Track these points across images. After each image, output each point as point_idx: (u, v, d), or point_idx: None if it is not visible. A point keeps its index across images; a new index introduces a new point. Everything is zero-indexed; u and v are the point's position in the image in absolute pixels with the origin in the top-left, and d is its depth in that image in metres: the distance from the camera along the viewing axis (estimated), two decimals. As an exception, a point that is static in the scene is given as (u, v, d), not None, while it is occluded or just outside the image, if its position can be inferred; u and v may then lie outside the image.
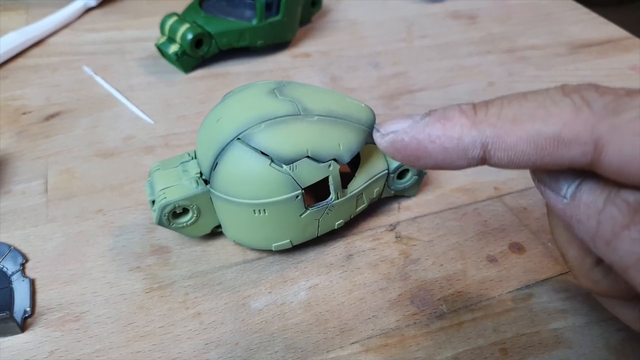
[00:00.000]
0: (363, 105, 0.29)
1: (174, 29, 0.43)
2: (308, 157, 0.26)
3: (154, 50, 0.46)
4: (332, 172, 0.26)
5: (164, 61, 0.45)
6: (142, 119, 0.39)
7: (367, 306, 0.27)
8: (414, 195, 0.33)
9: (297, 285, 0.28)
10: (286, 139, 0.25)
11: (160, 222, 0.27)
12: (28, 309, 0.26)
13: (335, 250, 0.30)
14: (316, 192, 0.29)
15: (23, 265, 0.28)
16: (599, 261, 0.20)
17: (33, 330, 0.26)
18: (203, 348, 0.25)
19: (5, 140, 0.37)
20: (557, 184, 0.18)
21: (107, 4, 0.54)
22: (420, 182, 0.33)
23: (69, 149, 0.36)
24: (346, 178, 0.28)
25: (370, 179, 0.29)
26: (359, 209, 0.30)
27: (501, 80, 0.45)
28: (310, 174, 0.26)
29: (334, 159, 0.26)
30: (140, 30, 0.50)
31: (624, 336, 0.26)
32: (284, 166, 0.25)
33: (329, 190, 0.27)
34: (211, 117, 0.27)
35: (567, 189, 0.18)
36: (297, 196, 0.26)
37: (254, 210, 0.26)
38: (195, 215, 0.27)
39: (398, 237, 0.31)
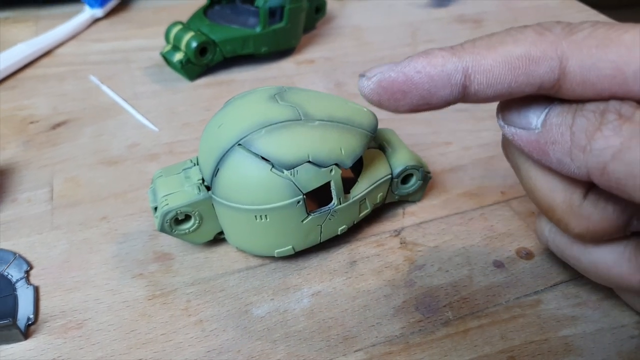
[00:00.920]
0: (365, 109, 0.29)
1: (178, 38, 0.43)
2: (309, 162, 0.25)
3: (159, 59, 0.47)
4: (334, 177, 0.26)
5: (169, 69, 0.46)
6: (146, 126, 0.39)
7: (371, 313, 0.27)
8: (418, 200, 0.33)
9: (300, 292, 0.28)
10: (287, 144, 0.25)
11: (162, 229, 0.27)
12: (31, 316, 0.26)
13: (339, 256, 0.30)
14: (318, 198, 0.28)
15: (27, 272, 0.28)
16: (586, 193, 0.21)
17: (36, 337, 0.25)
18: (205, 355, 0.25)
19: (13, 149, 0.37)
20: (527, 119, 0.21)
21: (113, 15, 0.55)
22: (425, 187, 0.32)
23: (74, 157, 0.36)
24: (349, 183, 0.28)
25: (373, 184, 0.29)
26: (362, 214, 0.29)
27: (508, 84, 0.45)
28: (312, 179, 0.26)
29: (336, 164, 0.26)
30: (146, 40, 0.50)
31: (637, 343, 0.25)
32: (285, 171, 0.25)
33: (331, 195, 0.27)
34: (213, 123, 0.27)
35: (537, 119, 0.20)
36: (298, 202, 0.26)
37: (256, 216, 0.26)
38: (197, 221, 0.27)
39: (403, 243, 0.30)
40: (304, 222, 0.27)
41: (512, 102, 0.21)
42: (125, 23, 0.53)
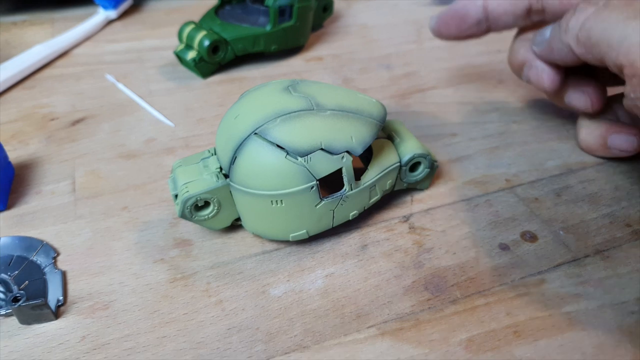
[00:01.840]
0: (374, 100, 0.30)
1: (191, 37, 0.44)
2: (322, 149, 0.27)
3: (172, 58, 0.48)
4: (345, 163, 0.28)
5: (182, 68, 0.47)
6: (162, 122, 0.41)
7: (382, 293, 0.28)
8: (426, 188, 0.34)
9: (314, 274, 0.29)
10: (300, 133, 0.27)
11: (182, 215, 0.28)
12: (61, 298, 0.27)
13: (350, 240, 0.31)
14: (331, 185, 0.30)
15: (55, 258, 0.30)
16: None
17: (66, 317, 0.27)
18: (225, 333, 0.26)
19: (35, 145, 0.39)
20: (543, 34, 0.33)
21: (126, 16, 0.56)
22: (432, 175, 0.33)
23: (94, 151, 0.38)
24: (359, 172, 0.30)
25: (382, 171, 0.30)
26: (372, 200, 0.31)
27: (511, 77, 0.46)
28: (324, 165, 0.27)
29: (347, 152, 0.27)
30: (159, 40, 0.52)
31: (638, 319, 0.27)
32: (299, 158, 0.26)
33: (342, 182, 0.28)
34: (229, 114, 0.29)
35: (548, 32, 0.32)
36: (312, 187, 0.27)
37: (272, 202, 0.27)
38: (216, 208, 0.29)
39: (412, 228, 0.32)
40: (317, 207, 0.28)
41: (538, 31, 0.33)
42: (138, 24, 0.55)
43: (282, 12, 0.46)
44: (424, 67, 0.47)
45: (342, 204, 0.29)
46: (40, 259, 0.30)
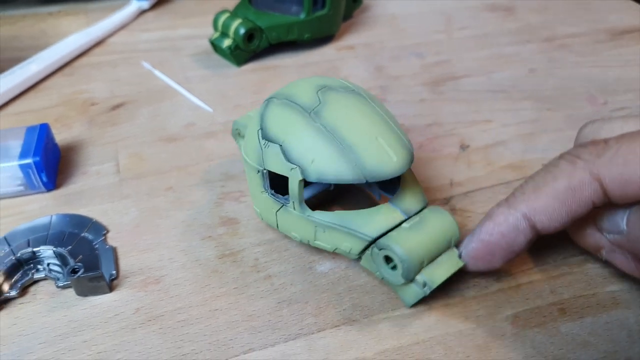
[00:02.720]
0: (404, 139, 0.27)
1: (226, 25, 0.45)
2: (281, 146, 0.26)
3: (206, 46, 0.49)
4: (292, 175, 0.25)
5: (216, 56, 0.48)
6: (201, 107, 0.41)
7: (427, 270, 0.29)
8: (408, 305, 0.27)
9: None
10: (279, 121, 0.26)
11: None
12: (113, 272, 0.28)
13: (393, 221, 0.31)
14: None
15: (105, 235, 0.31)
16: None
17: (119, 290, 0.28)
18: (276, 306, 0.27)
19: (78, 128, 0.39)
20: (615, 225, 0.25)
21: (158, 6, 0.57)
22: (419, 298, 0.26)
23: (135, 135, 0.39)
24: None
25: (340, 226, 0.26)
26: (317, 242, 0.27)
27: (542, 67, 0.46)
28: (275, 162, 0.26)
29: (300, 168, 0.25)
30: (191, 29, 0.53)
31: (679, 297, 0.27)
32: (261, 140, 0.27)
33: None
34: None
35: (621, 222, 0.25)
36: (258, 171, 0.27)
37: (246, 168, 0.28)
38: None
39: (453, 210, 0.32)
40: (262, 194, 0.28)
41: (605, 214, 0.25)
42: (170, 14, 0.56)
43: (316, 1, 0.46)
44: (455, 56, 0.48)
45: (284, 214, 0.27)
46: (91, 236, 0.31)
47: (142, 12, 0.56)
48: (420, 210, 0.27)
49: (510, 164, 0.36)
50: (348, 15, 0.53)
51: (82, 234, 0.30)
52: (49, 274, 0.28)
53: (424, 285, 0.25)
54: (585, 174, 0.23)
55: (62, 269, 0.28)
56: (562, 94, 0.43)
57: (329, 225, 0.26)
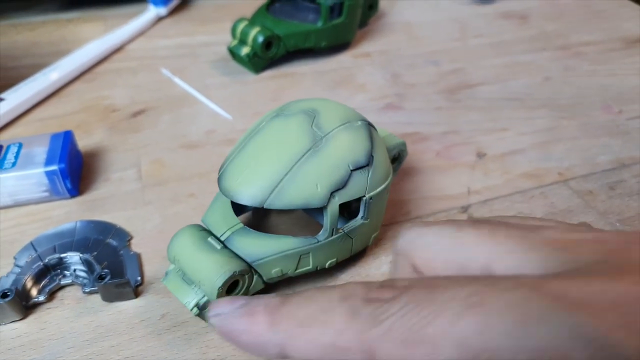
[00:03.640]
0: (275, 178, 0.26)
1: (245, 33, 0.46)
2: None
3: (224, 53, 0.50)
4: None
5: (234, 63, 0.49)
6: (220, 114, 0.42)
7: (446, 278, 0.29)
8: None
9: (379, 260, 0.30)
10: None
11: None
12: (138, 278, 0.29)
13: (412, 229, 0.32)
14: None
15: (129, 241, 0.31)
16: None
17: (144, 296, 0.28)
18: (299, 312, 0.27)
19: (99, 134, 0.40)
20: None
21: (176, 13, 0.58)
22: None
23: (156, 141, 0.39)
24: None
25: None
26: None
27: (557, 75, 0.47)
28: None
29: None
30: (209, 36, 0.53)
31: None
32: None
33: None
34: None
35: None
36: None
37: None
38: None
39: (471, 218, 0.33)
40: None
41: None
42: (188, 21, 0.56)
43: (332, 9, 0.47)
44: (470, 64, 0.48)
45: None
46: (115, 242, 0.31)
47: (160, 19, 0.57)
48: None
49: (527, 172, 0.36)
50: (364, 23, 0.54)
51: (107, 240, 0.31)
52: (75, 280, 0.29)
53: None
54: (357, 340, 0.16)
55: (89, 275, 0.29)
56: (577, 103, 0.43)
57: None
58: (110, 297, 0.28)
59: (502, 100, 0.44)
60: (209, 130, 0.40)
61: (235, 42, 0.47)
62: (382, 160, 0.27)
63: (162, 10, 0.56)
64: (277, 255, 0.26)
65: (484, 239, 0.18)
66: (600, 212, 0.33)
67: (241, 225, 0.27)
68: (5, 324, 0.27)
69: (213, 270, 0.25)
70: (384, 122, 0.41)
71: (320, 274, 0.29)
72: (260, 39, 0.45)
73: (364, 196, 0.26)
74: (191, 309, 0.25)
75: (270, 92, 0.45)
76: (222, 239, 0.26)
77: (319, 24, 0.47)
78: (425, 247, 0.19)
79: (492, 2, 0.60)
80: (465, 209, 0.33)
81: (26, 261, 0.29)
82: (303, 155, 0.25)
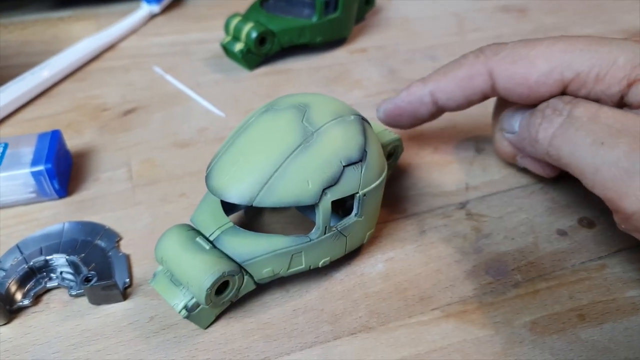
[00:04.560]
0: (264, 176, 0.25)
1: (238, 29, 0.45)
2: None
3: (218, 50, 0.49)
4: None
5: (228, 60, 0.48)
6: (213, 112, 0.41)
7: (443, 276, 0.28)
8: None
9: (374, 258, 0.29)
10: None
11: None
12: (127, 280, 0.28)
13: (408, 227, 0.31)
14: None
15: (118, 242, 0.31)
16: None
17: (133, 298, 0.28)
18: (291, 313, 0.27)
19: (90, 134, 0.39)
20: (511, 125, 0.30)
21: (169, 11, 0.57)
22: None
23: (147, 140, 0.39)
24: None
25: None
26: None
27: (557, 68, 0.46)
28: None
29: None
30: (203, 33, 0.52)
31: (702, 303, 0.26)
32: None
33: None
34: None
35: (516, 124, 0.29)
36: None
37: None
38: None
39: (469, 214, 0.32)
40: None
41: (505, 115, 0.31)
42: (181, 18, 0.56)
43: (327, 4, 0.46)
44: (468, 58, 0.47)
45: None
46: (103, 243, 0.30)
47: (153, 17, 0.56)
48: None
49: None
50: (360, 18, 0.53)
51: (95, 242, 0.30)
52: (62, 283, 0.28)
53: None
54: (482, 67, 0.28)
55: (75, 277, 0.28)
56: (577, 96, 0.42)
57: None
58: (97, 299, 0.27)
59: (501, 95, 0.43)
60: (201, 128, 0.39)
61: (228, 39, 0.46)
62: (376, 155, 0.26)
63: (155, 8, 0.55)
64: (268, 255, 0.25)
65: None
66: (601, 207, 0.32)
67: (231, 224, 0.26)
68: (-12, 328, 0.26)
69: (201, 271, 0.24)
70: (380, 117, 0.40)
71: (313, 272, 0.28)
72: (254, 34, 0.44)
73: (358, 193, 0.26)
74: (179, 311, 0.25)
75: (264, 89, 0.44)
76: (211, 238, 0.26)
77: (314, 19, 0.46)
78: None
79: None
80: (463, 205, 0.32)
81: (11, 264, 0.28)
82: (293, 151, 0.24)
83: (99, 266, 0.29)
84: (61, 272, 0.29)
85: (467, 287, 0.28)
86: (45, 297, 0.28)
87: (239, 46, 0.45)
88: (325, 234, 0.25)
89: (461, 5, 0.57)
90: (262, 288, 0.28)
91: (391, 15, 0.55)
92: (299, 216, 0.32)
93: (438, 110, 0.31)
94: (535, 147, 0.27)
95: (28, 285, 0.28)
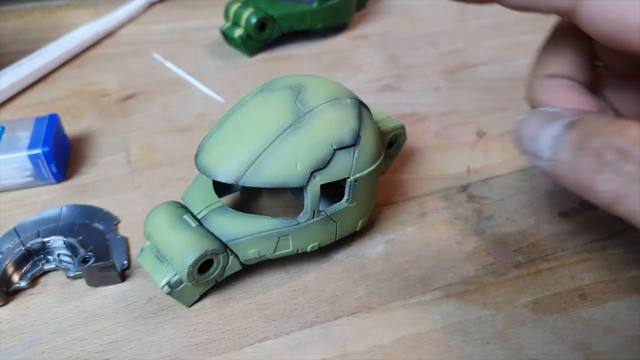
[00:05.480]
0: (255, 153, 0.24)
1: (238, 14, 0.45)
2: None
3: (218, 37, 0.49)
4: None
5: (228, 47, 0.47)
6: (213, 98, 0.41)
7: (444, 257, 0.28)
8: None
9: (375, 240, 0.29)
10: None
11: None
12: (125, 262, 0.28)
13: (409, 209, 0.31)
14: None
15: (116, 225, 0.30)
16: None
17: (131, 280, 0.27)
18: (291, 294, 0.26)
19: (89, 119, 0.39)
20: (540, 148, 0.20)
21: (168, -1, 0.57)
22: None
23: (146, 126, 0.38)
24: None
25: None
26: None
27: (559, 53, 0.45)
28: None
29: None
30: (202, 20, 0.52)
31: None
32: None
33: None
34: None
35: (549, 151, 0.20)
36: None
37: None
38: None
39: (470, 197, 0.31)
40: None
41: (525, 127, 0.22)
42: (180, 6, 0.55)
43: (328, -10, 0.46)
44: (471, 45, 0.47)
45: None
46: (101, 226, 0.30)
47: (152, 4, 0.56)
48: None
49: (528, 150, 0.35)
50: (361, 4, 0.53)
51: (93, 225, 0.30)
52: (59, 265, 0.28)
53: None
54: None
55: (73, 259, 0.28)
56: (580, 81, 0.42)
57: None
58: (95, 281, 0.27)
59: (503, 80, 0.42)
60: (201, 114, 0.39)
61: (228, 24, 0.46)
62: (371, 141, 0.26)
63: (154, -4, 0.55)
64: (253, 236, 0.25)
65: None
66: (604, 189, 0.32)
67: (220, 204, 0.26)
68: (-14, 309, 0.26)
69: (185, 248, 0.24)
70: (382, 103, 0.40)
71: (313, 254, 0.28)
72: (254, 20, 0.44)
73: (349, 178, 0.25)
74: (162, 287, 0.24)
75: (264, 75, 0.44)
76: (199, 217, 0.25)
77: (315, 4, 0.45)
78: None
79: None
80: (464, 187, 0.32)
81: (8, 247, 0.28)
82: (283, 132, 0.24)
83: (97, 248, 0.28)
84: (59, 255, 0.28)
85: (469, 267, 0.27)
86: (43, 279, 0.28)
87: (238, 32, 0.44)
88: (313, 218, 0.25)
89: (462, -8, 0.56)
90: (262, 269, 0.27)
91: (393, 2, 0.55)
92: (297, 200, 0.31)
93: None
94: (590, 197, 0.19)
95: (25, 267, 0.28)
